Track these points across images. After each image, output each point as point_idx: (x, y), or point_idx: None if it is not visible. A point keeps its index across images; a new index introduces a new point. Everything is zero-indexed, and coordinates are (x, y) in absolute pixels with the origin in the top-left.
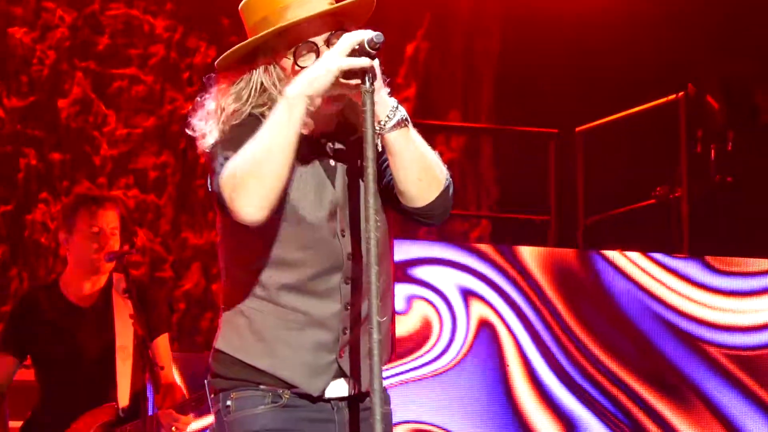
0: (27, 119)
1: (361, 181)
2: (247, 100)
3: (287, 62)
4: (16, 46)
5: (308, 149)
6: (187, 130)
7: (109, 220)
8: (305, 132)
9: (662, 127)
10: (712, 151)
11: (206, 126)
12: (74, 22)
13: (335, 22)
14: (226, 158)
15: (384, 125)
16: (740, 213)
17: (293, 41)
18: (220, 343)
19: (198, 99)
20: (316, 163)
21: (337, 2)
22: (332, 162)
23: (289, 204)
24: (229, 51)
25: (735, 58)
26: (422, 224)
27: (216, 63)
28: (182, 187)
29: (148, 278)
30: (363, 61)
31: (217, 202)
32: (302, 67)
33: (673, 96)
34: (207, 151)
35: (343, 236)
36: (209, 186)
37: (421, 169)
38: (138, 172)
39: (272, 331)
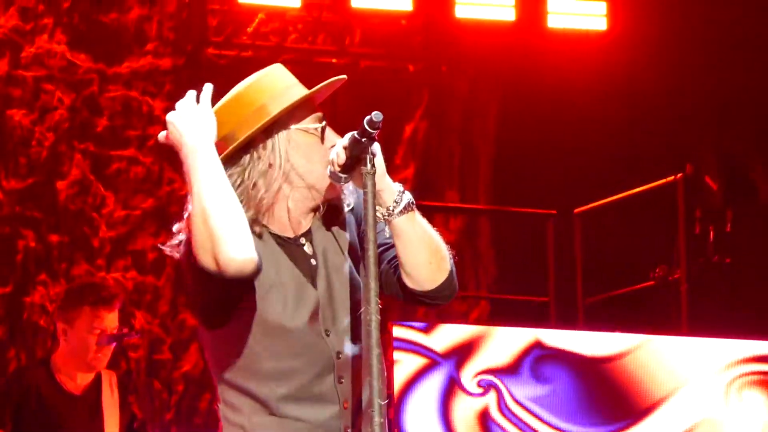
0: (25, 201)
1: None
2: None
3: (304, 140)
4: (14, 127)
5: (286, 254)
6: (163, 248)
7: (112, 321)
8: (280, 234)
9: (660, 208)
10: (711, 231)
11: (181, 235)
12: (73, 104)
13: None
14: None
15: (392, 211)
16: (739, 294)
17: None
18: None
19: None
20: (294, 268)
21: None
22: (312, 261)
23: (269, 317)
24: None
25: (733, 138)
26: (428, 306)
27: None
28: (181, 268)
29: (146, 361)
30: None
31: (209, 284)
32: (325, 140)
33: (672, 177)
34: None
35: (328, 335)
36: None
37: (430, 252)
38: (136, 254)
39: None
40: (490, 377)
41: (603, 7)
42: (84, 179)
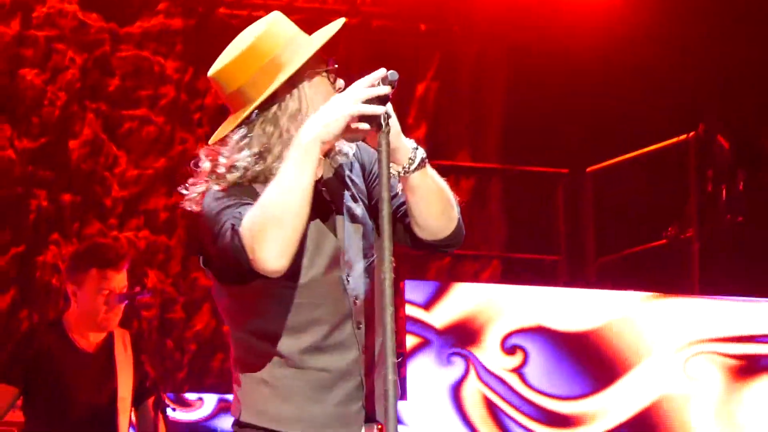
0: (37, 161)
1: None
2: (245, 166)
3: (318, 85)
4: (26, 87)
5: None
6: (182, 191)
7: (120, 281)
8: None
9: (672, 167)
10: (723, 190)
11: (198, 187)
12: (84, 64)
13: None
14: (234, 217)
15: (408, 168)
16: (751, 252)
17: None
18: (245, 416)
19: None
20: (315, 216)
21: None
22: (332, 206)
23: (289, 270)
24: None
25: (745, 99)
26: (441, 252)
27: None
28: (192, 228)
29: (159, 319)
30: (376, 109)
31: (231, 260)
32: (336, 88)
33: (684, 136)
34: (203, 212)
35: (348, 282)
36: (208, 251)
37: (442, 204)
38: (149, 213)
39: (301, 394)
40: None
41: None
42: (96, 139)
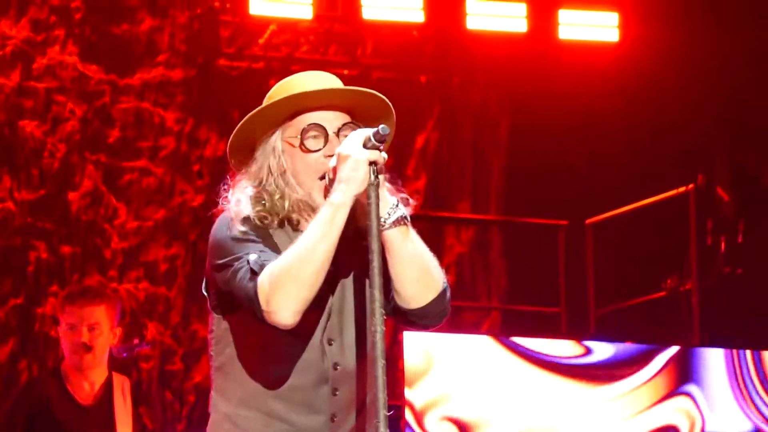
0: (37, 212)
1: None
2: (247, 206)
3: (293, 149)
4: (26, 138)
5: None
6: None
7: (87, 316)
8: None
9: (672, 219)
10: (722, 242)
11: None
12: (85, 115)
13: (350, 113)
14: (255, 263)
15: (384, 222)
16: (751, 305)
17: (301, 122)
18: None
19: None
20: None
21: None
22: (331, 267)
23: None
24: (236, 129)
25: (745, 149)
26: (417, 326)
27: (228, 148)
28: (192, 279)
29: (158, 371)
30: (380, 154)
31: (244, 301)
32: (309, 150)
33: (684, 188)
34: (214, 235)
35: (330, 345)
36: (208, 276)
37: (418, 270)
38: (148, 265)
39: None
40: None
41: (615, 18)
42: (96, 190)
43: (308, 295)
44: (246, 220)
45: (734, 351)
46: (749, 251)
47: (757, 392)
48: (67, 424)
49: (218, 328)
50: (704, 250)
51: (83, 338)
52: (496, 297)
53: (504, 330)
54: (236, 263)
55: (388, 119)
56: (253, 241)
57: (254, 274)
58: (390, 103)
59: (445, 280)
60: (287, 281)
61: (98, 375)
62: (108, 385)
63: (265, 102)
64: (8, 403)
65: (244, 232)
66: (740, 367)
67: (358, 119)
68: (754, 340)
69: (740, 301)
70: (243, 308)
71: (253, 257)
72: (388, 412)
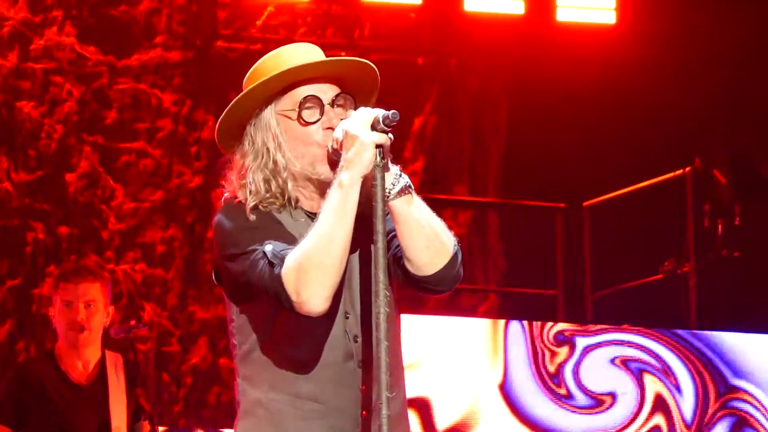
0: (35, 193)
1: (363, 252)
2: (259, 190)
3: (289, 122)
4: (23, 120)
5: None
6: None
7: (82, 293)
8: (312, 211)
9: (669, 202)
10: (720, 225)
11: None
12: (82, 97)
13: (339, 84)
14: (274, 254)
15: (389, 192)
16: (748, 287)
17: (297, 95)
18: None
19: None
20: None
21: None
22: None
23: None
24: (227, 109)
25: (742, 132)
26: (432, 293)
27: (217, 130)
28: (189, 261)
29: (154, 353)
30: (387, 138)
31: (269, 294)
32: (307, 122)
33: (681, 171)
34: (219, 225)
35: (347, 318)
36: (219, 267)
37: (428, 236)
38: (145, 246)
39: (292, 421)
40: None
41: (612, 1)
42: (93, 172)
43: (336, 280)
44: (253, 207)
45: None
46: (746, 234)
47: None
48: (62, 403)
49: (238, 317)
50: (701, 233)
51: (80, 315)
52: (494, 279)
53: (500, 312)
54: (252, 255)
55: (376, 88)
56: (263, 229)
57: (272, 266)
58: (377, 70)
59: (456, 243)
60: (313, 270)
61: (92, 353)
62: (102, 364)
63: (253, 79)
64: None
65: (254, 221)
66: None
67: (347, 89)
68: (750, 323)
69: (737, 284)
70: (261, 296)
71: (269, 248)
72: (390, 393)
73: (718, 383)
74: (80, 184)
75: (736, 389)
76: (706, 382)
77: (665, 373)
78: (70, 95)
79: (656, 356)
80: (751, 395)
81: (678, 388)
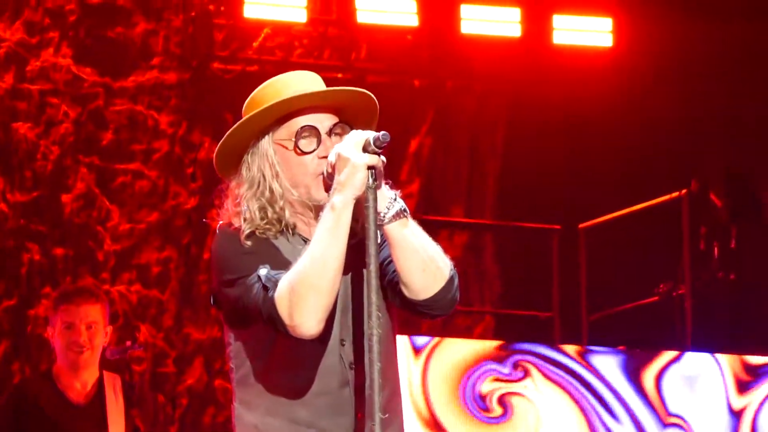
0: (30, 214)
1: (360, 279)
2: (254, 218)
3: (286, 151)
4: (20, 141)
5: None
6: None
7: (84, 315)
8: (308, 237)
9: (665, 224)
10: (716, 248)
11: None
12: (78, 118)
13: (337, 113)
14: (268, 279)
15: (383, 217)
16: (744, 310)
17: (294, 125)
18: None
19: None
20: None
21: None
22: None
23: None
24: (225, 136)
25: (738, 155)
26: (428, 317)
27: (215, 157)
28: (185, 282)
29: (150, 374)
30: (379, 159)
31: (263, 318)
32: (303, 152)
33: (677, 193)
34: (216, 251)
35: (343, 345)
36: (217, 293)
37: (423, 261)
38: (141, 267)
39: None
40: None
41: (609, 24)
42: (89, 193)
43: (329, 302)
44: (250, 233)
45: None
46: (742, 256)
47: None
48: (60, 423)
49: (235, 342)
50: (697, 255)
51: (82, 337)
52: (489, 301)
53: (496, 334)
54: (247, 280)
55: (375, 117)
56: (259, 254)
57: (266, 290)
58: (376, 100)
59: (452, 267)
60: (306, 292)
61: (90, 374)
62: (100, 384)
63: (251, 107)
64: None
65: (250, 246)
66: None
67: (345, 118)
68: (747, 345)
69: (733, 307)
70: (258, 322)
71: (263, 272)
72: (383, 415)
73: None
74: (76, 205)
75: None
76: None
77: None
78: (66, 116)
79: None
80: None
81: None
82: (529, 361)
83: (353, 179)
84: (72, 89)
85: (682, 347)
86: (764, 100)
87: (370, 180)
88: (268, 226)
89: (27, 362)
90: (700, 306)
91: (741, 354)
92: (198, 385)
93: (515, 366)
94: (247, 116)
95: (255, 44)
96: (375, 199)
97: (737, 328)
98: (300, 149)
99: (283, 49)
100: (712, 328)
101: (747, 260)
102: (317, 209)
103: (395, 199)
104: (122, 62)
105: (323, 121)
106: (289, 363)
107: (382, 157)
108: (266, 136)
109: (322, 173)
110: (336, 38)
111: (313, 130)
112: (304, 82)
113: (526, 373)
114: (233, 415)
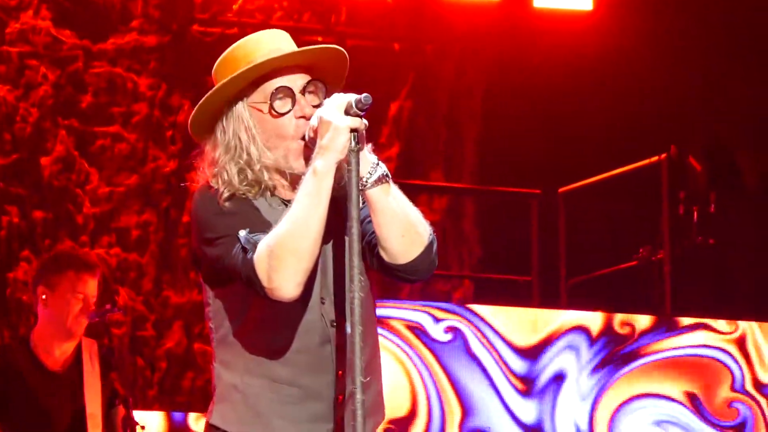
0: (9, 177)
1: (338, 237)
2: (232, 180)
3: (262, 114)
4: None
5: None
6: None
7: (93, 289)
8: (288, 199)
9: (645, 189)
10: (695, 212)
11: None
12: (57, 80)
13: (309, 72)
14: (246, 240)
15: (366, 181)
16: (722, 274)
17: (268, 87)
18: (215, 419)
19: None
20: None
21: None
22: (329, 226)
23: None
24: (200, 103)
25: (718, 120)
26: (406, 281)
27: (189, 123)
28: (164, 246)
29: (129, 337)
30: (362, 122)
31: (242, 279)
32: (279, 113)
33: (656, 158)
34: (196, 210)
35: (323, 303)
36: (197, 252)
37: (403, 225)
38: (120, 231)
39: (268, 405)
40: None
41: None
42: (68, 156)
43: (309, 266)
44: (230, 194)
45: None
46: (721, 222)
47: None
48: (37, 390)
49: (214, 301)
50: (676, 220)
51: (91, 308)
52: (468, 265)
53: (476, 298)
54: (226, 239)
55: (345, 70)
56: (239, 214)
57: (245, 251)
58: (346, 54)
59: (432, 233)
60: (286, 256)
61: (73, 342)
62: (77, 351)
63: (223, 68)
64: None
65: (229, 207)
66: None
67: (318, 76)
68: (724, 309)
69: (712, 271)
70: (237, 281)
71: (242, 233)
72: (365, 378)
73: None
74: (55, 168)
75: None
76: None
77: None
78: (45, 79)
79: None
80: None
81: None
82: None
83: (335, 142)
84: (51, 52)
85: (661, 311)
86: (744, 65)
87: (353, 143)
88: (247, 188)
89: (6, 326)
90: (678, 271)
91: (720, 318)
92: (177, 349)
93: None
94: (219, 83)
95: (235, 7)
96: (357, 163)
97: (715, 293)
98: (276, 111)
99: (263, 11)
100: (691, 293)
101: (726, 225)
102: (294, 178)
103: (377, 164)
104: (102, 25)
105: (296, 80)
106: (268, 322)
107: (365, 120)
108: (240, 101)
109: (303, 137)
110: (316, 2)
111: (287, 91)
112: (273, 41)
113: None
114: (213, 376)
